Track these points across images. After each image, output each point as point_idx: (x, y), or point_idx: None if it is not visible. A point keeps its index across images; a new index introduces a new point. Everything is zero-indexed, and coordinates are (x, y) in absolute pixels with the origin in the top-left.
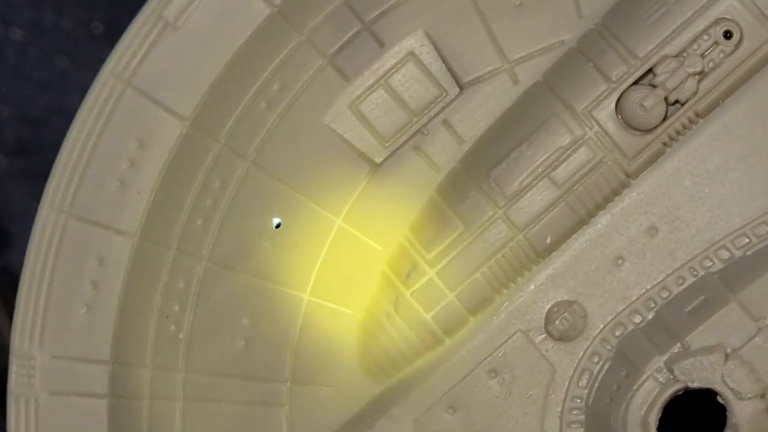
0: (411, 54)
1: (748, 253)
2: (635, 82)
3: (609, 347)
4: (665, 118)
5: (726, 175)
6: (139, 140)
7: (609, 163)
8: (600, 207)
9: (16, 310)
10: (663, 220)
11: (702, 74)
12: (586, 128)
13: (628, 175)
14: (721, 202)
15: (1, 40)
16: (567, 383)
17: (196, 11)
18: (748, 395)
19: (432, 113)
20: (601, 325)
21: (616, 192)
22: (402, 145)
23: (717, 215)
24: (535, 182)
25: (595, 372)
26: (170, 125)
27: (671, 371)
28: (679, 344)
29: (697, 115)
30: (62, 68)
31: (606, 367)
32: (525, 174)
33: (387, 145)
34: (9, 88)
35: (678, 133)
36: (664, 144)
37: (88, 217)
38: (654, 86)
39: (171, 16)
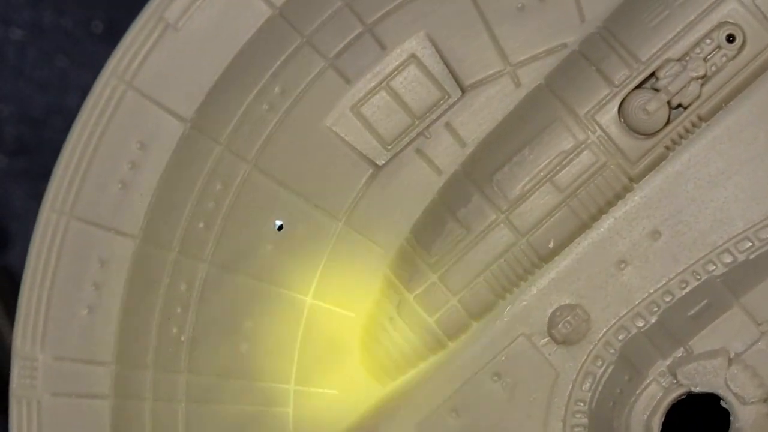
0: (413, 56)
1: (751, 256)
2: (638, 86)
3: (612, 351)
4: (668, 122)
5: (729, 179)
6: (140, 142)
7: (612, 167)
8: (603, 211)
9: (17, 312)
10: (666, 224)
11: (705, 78)
12: (589, 132)
13: (631, 179)
14: (724, 205)
15: (1, 40)
16: (570, 387)
17: (197, 12)
18: (752, 400)
19: (434, 116)
20: (604, 329)
21: (618, 196)
22: (404, 148)
23: (720, 219)
24: (537, 186)
25: (598, 376)
26: (171, 127)
27: (674, 375)
28: (682, 348)
29: (700, 118)
30: (62, 68)
31: (609, 371)
32: (527, 178)
33: (389, 147)
34: (9, 87)
35: (681, 136)
36: (667, 148)
37: (90, 218)
38: (657, 90)
39: (172, 17)
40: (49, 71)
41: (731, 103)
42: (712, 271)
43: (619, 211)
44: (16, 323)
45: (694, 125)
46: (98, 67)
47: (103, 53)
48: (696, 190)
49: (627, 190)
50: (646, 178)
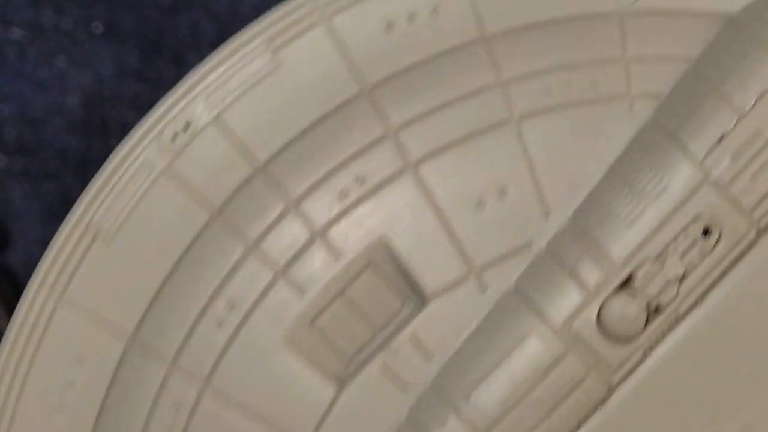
0: (369, 264)
1: None
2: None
3: None
4: (646, 324)
5: (709, 379)
6: (78, 358)
7: (591, 377)
8: (582, 423)
9: None
10: (643, 429)
11: (682, 277)
12: (567, 344)
13: (610, 388)
14: (703, 407)
15: (1, 40)
16: None
17: (129, 218)
18: None
19: (396, 327)
20: None
21: (597, 407)
22: (366, 363)
23: (700, 421)
24: (516, 404)
25: None
26: (109, 343)
27: None
28: None
29: (677, 318)
30: (62, 68)
31: None
32: (506, 396)
33: (350, 363)
34: (9, 88)
35: (658, 339)
36: (644, 352)
37: None
38: (633, 292)
39: (103, 222)
40: (49, 71)
41: (707, 298)
42: None
43: (596, 421)
44: None
45: (670, 327)
46: (98, 67)
47: (103, 53)
48: (674, 392)
49: (605, 399)
50: (624, 383)
